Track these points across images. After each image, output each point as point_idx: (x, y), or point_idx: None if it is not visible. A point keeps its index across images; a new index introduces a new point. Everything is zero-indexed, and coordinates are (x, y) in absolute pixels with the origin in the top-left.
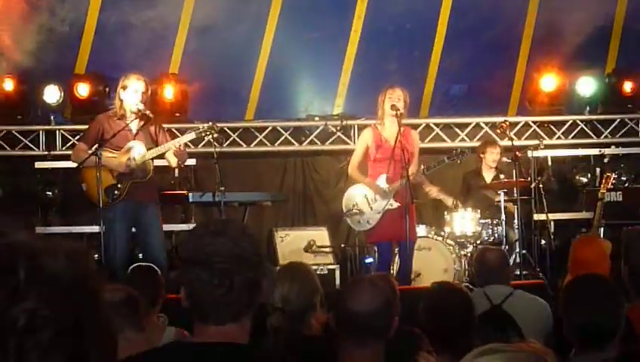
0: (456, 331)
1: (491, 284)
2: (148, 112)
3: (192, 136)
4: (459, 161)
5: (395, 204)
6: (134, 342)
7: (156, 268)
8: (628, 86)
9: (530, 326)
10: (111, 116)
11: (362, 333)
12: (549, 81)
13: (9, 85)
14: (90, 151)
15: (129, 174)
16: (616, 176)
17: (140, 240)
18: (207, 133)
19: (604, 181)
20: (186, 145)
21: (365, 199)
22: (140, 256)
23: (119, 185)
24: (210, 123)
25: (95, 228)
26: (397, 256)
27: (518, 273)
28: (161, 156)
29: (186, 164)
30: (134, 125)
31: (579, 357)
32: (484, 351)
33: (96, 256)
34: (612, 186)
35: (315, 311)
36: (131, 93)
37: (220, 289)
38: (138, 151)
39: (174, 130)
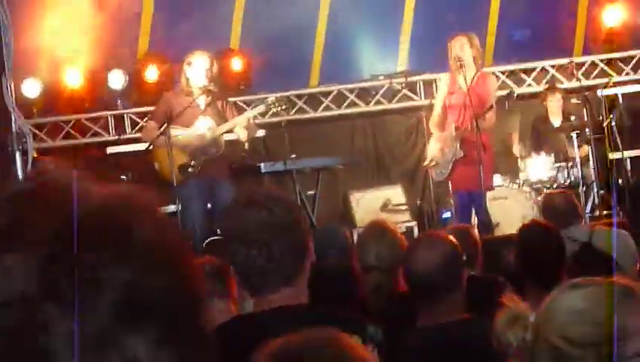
0: (550, 269)
1: (569, 226)
2: (214, 87)
3: (260, 108)
4: (507, 106)
5: (460, 153)
6: (222, 311)
7: None
8: None
9: (618, 260)
10: (178, 93)
11: (429, 292)
12: (612, 16)
13: (74, 75)
14: (159, 130)
15: (201, 150)
16: None
17: (217, 216)
18: (275, 105)
19: None
20: (254, 117)
21: (439, 149)
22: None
23: (193, 162)
24: (278, 95)
25: (170, 208)
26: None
27: (598, 213)
28: (230, 130)
29: (257, 135)
30: (202, 101)
31: None
32: (566, 287)
33: None
34: None
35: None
36: (197, 69)
37: (259, 259)
38: (207, 127)
39: (240, 103)
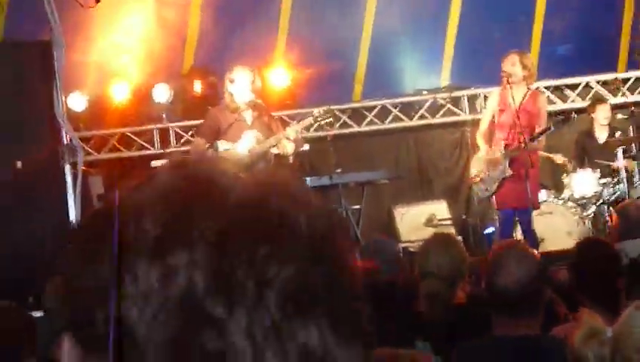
0: (607, 285)
1: (632, 239)
2: (259, 101)
3: (307, 122)
4: (563, 126)
5: (509, 172)
6: None
7: None
8: None
9: None
10: (223, 109)
11: (516, 307)
12: None
13: (122, 89)
14: (207, 146)
15: (251, 165)
16: None
17: None
18: (323, 117)
19: None
20: (301, 130)
21: (484, 166)
22: None
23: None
24: (325, 107)
25: None
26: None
27: None
28: (277, 144)
29: (302, 149)
30: (248, 116)
31: None
32: None
33: None
34: None
35: (463, 279)
36: (240, 85)
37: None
38: (255, 140)
39: (284, 118)
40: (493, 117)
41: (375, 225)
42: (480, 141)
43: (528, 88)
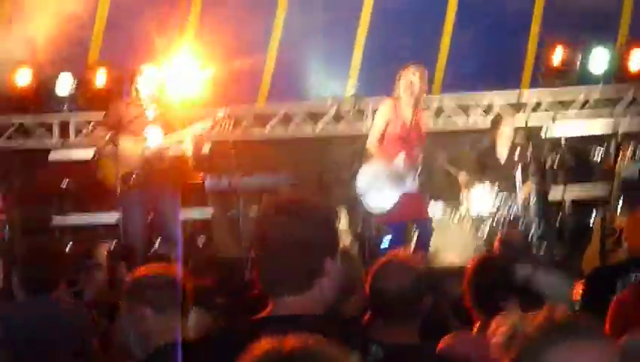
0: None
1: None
2: (164, 99)
3: (208, 122)
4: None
5: (414, 188)
6: (176, 324)
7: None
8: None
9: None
10: (127, 103)
11: (396, 312)
12: (559, 56)
13: (24, 76)
14: (107, 138)
15: (147, 161)
16: (633, 150)
17: (158, 227)
18: (225, 120)
19: (620, 155)
20: (202, 130)
21: (382, 178)
22: (157, 243)
23: (136, 172)
24: (228, 109)
25: (113, 216)
26: (414, 236)
27: (535, 251)
28: (177, 142)
29: (203, 150)
30: (151, 112)
31: None
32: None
33: (115, 242)
34: (629, 160)
35: (355, 293)
36: (147, 81)
37: (275, 265)
38: (155, 137)
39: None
40: (385, 127)
41: None
42: (376, 150)
43: (417, 104)
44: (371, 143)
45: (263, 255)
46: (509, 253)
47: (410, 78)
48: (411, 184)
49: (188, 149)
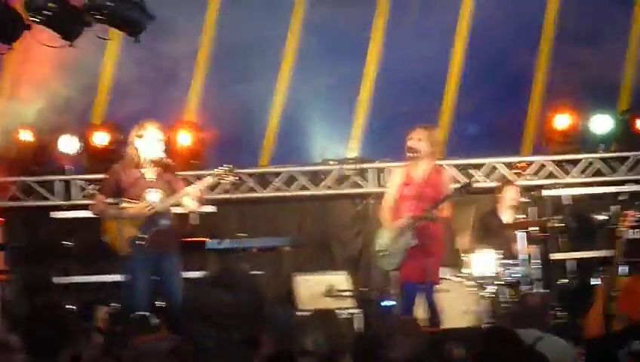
0: None
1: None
2: (169, 160)
3: (209, 180)
4: (465, 194)
5: (414, 241)
6: None
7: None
8: None
9: None
10: (125, 166)
11: None
12: (562, 120)
13: (26, 136)
14: (108, 202)
15: (151, 223)
16: (635, 213)
17: (163, 288)
18: (225, 176)
19: (622, 218)
20: (203, 190)
21: (389, 239)
22: (157, 303)
23: (144, 236)
24: (227, 166)
25: (115, 277)
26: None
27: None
28: (178, 203)
29: (206, 210)
30: (151, 174)
31: None
32: None
33: (115, 305)
34: (631, 224)
35: (343, 357)
36: (150, 141)
37: (214, 342)
38: (157, 199)
39: (189, 179)
40: (398, 193)
41: (274, 293)
42: (385, 215)
43: (433, 163)
44: (385, 208)
45: (200, 331)
46: (524, 315)
47: (415, 141)
48: (407, 242)
49: (191, 206)
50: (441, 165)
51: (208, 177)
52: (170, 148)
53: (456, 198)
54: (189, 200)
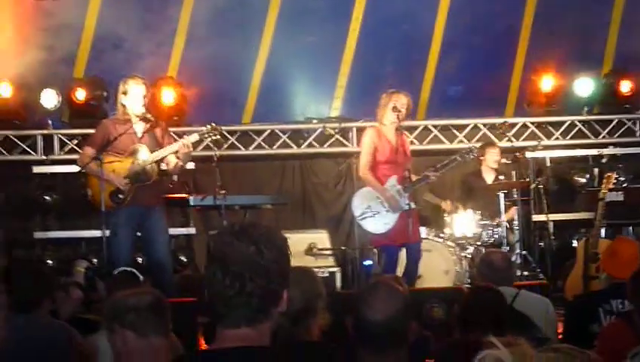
0: (494, 325)
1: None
2: (150, 116)
3: (195, 137)
4: (470, 158)
5: (413, 205)
6: (158, 348)
7: (138, 273)
8: (625, 86)
9: (538, 325)
10: (114, 121)
11: (381, 341)
12: (546, 82)
13: (6, 90)
14: (93, 155)
15: (134, 178)
16: (616, 176)
17: (146, 243)
18: (210, 134)
19: (604, 181)
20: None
21: (379, 201)
22: (140, 260)
23: (123, 190)
24: (213, 124)
25: (95, 233)
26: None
27: (519, 274)
28: (165, 159)
29: (186, 167)
30: (139, 128)
31: None
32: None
33: (95, 260)
34: (612, 186)
35: (315, 316)
36: (132, 97)
37: (230, 291)
38: (143, 154)
39: (172, 134)
40: (373, 153)
41: None
42: (369, 176)
43: (399, 128)
44: (363, 170)
45: (218, 280)
46: (490, 274)
47: (395, 105)
48: (405, 205)
49: (171, 163)
50: (406, 127)
51: (194, 135)
52: (152, 104)
53: (458, 162)
54: (173, 157)
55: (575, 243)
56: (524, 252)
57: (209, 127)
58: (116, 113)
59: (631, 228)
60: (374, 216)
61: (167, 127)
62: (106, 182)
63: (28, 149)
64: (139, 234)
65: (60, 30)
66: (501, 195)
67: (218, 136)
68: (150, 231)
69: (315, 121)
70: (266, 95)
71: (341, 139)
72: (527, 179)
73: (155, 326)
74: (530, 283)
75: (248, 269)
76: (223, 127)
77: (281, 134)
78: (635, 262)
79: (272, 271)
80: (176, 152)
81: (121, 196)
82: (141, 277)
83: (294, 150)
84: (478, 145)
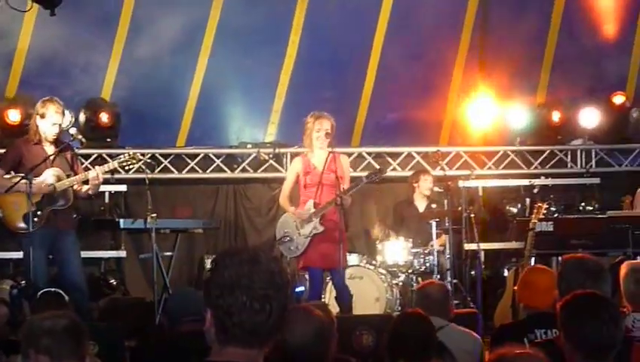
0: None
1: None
2: (61, 140)
3: (114, 165)
4: (376, 180)
5: (321, 228)
6: None
7: (64, 294)
8: (556, 116)
9: (460, 359)
10: (27, 141)
11: None
12: (479, 113)
13: None
14: (9, 176)
15: (49, 201)
16: (547, 206)
17: (59, 267)
18: (129, 162)
19: (535, 211)
20: (112, 171)
21: (294, 225)
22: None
23: (39, 212)
24: (131, 152)
25: (12, 255)
26: (329, 284)
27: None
28: (83, 181)
29: (117, 190)
30: (51, 151)
31: None
32: None
33: (23, 282)
34: (543, 216)
35: None
36: (49, 122)
37: (261, 315)
38: (55, 177)
39: (105, 156)
40: (297, 179)
41: (185, 274)
42: (286, 203)
43: (330, 150)
44: (281, 198)
45: (246, 306)
46: (426, 305)
47: (326, 125)
48: (313, 229)
49: (83, 190)
50: (337, 151)
51: (113, 162)
52: (85, 125)
53: (365, 184)
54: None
55: (506, 273)
56: (455, 280)
57: (127, 154)
58: (29, 132)
59: (560, 257)
60: (288, 241)
61: (95, 149)
62: (20, 203)
63: None
64: (51, 256)
65: None
66: (433, 223)
67: (137, 164)
68: (64, 253)
69: (249, 146)
70: (201, 118)
71: (275, 164)
72: (459, 208)
73: (71, 351)
74: (460, 311)
75: (273, 290)
76: (157, 150)
77: (215, 158)
78: (552, 289)
79: (286, 289)
80: (87, 181)
81: (36, 219)
82: (67, 298)
83: (228, 174)
84: (404, 175)
